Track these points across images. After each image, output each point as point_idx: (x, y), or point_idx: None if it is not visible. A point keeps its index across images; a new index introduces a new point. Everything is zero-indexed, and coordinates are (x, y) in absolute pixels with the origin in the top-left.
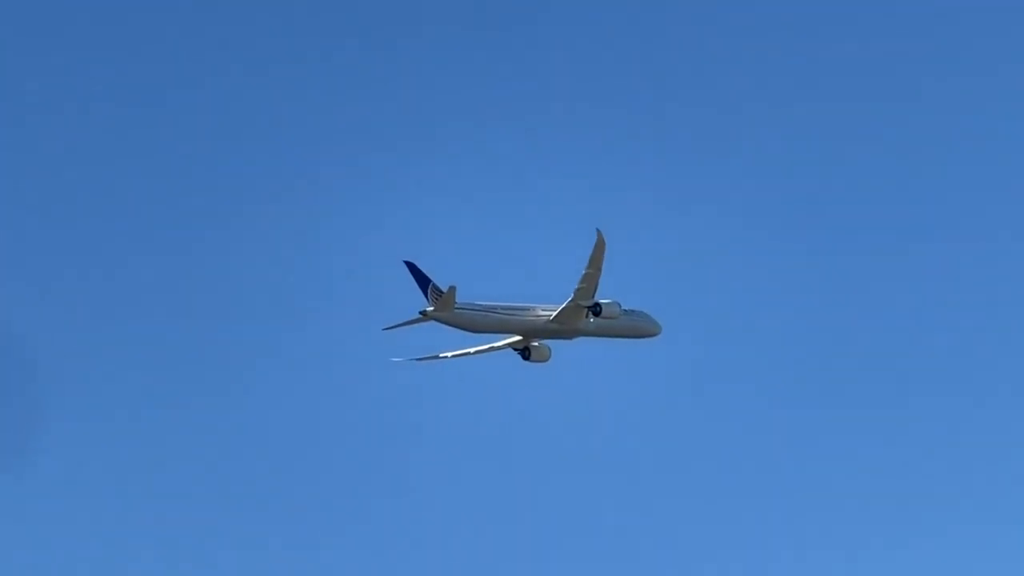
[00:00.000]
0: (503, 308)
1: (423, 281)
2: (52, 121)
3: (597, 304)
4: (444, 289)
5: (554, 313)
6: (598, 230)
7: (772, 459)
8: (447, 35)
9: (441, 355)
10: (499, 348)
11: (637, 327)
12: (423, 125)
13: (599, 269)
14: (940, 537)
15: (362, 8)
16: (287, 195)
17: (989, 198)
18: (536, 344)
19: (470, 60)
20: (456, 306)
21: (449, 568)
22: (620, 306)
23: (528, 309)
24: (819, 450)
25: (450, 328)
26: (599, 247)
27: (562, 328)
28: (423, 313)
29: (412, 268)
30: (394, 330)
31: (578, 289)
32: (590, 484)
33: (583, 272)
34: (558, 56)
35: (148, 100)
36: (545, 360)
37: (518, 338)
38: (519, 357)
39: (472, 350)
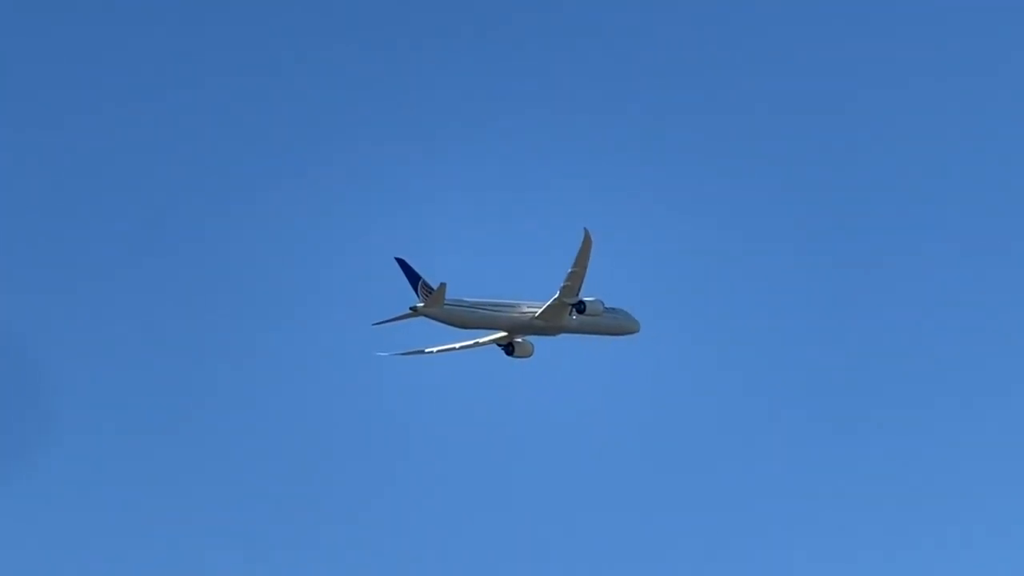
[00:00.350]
0: (490, 305)
1: (413, 278)
2: (50, 120)
3: (581, 302)
4: (434, 286)
5: (539, 310)
6: (586, 229)
7: (752, 454)
8: (439, 34)
9: (426, 350)
10: (484, 344)
11: (618, 325)
12: (417, 124)
13: (585, 268)
14: (924, 538)
15: (356, 7)
16: (281, 193)
17: (981, 197)
18: (520, 340)
19: (462, 59)
20: (445, 302)
21: (433, 561)
22: (603, 304)
23: (514, 306)
24: (803, 447)
25: (439, 324)
26: (586, 246)
27: (547, 325)
28: (413, 309)
29: (403, 265)
30: (384, 325)
31: (564, 287)
32: (570, 476)
33: (569, 270)
34: (549, 55)
35: (144, 99)
36: (528, 356)
37: (503, 334)
38: (503, 352)
39: (457, 345)
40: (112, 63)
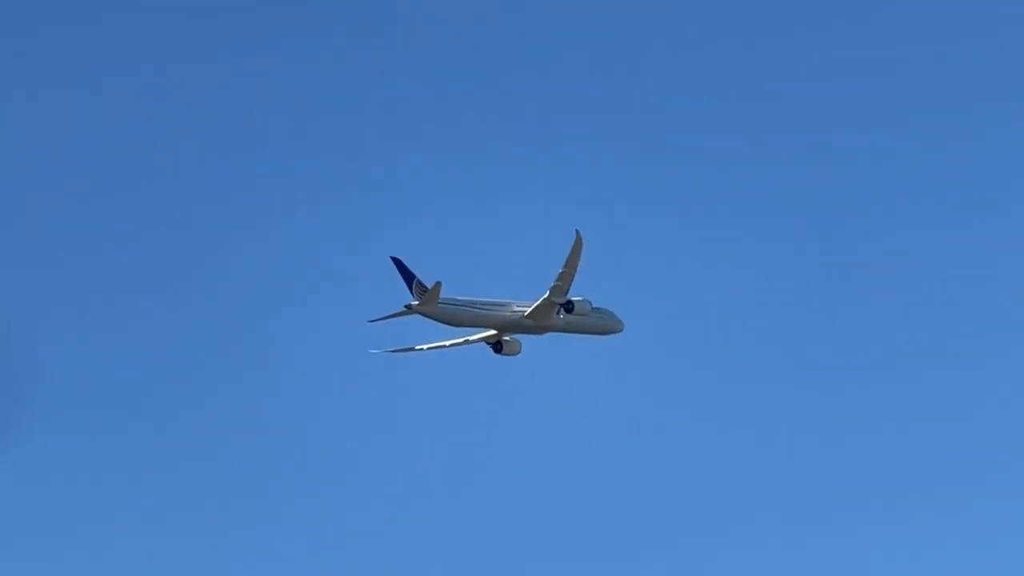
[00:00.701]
0: (482, 303)
1: (408, 276)
2: (47, 118)
3: (569, 301)
4: (428, 285)
5: (529, 309)
6: (577, 230)
7: (738, 453)
8: (434, 33)
9: (417, 348)
10: (473, 342)
11: (603, 324)
12: (413, 124)
13: (575, 268)
14: (918, 537)
15: (353, 5)
16: (277, 192)
17: (968, 196)
18: (508, 338)
19: (456, 59)
20: (439, 301)
21: (423, 557)
22: (590, 304)
23: (505, 305)
24: (793, 446)
25: (432, 321)
26: (577, 247)
27: (536, 323)
28: (408, 307)
29: (398, 264)
30: (379, 323)
31: (554, 286)
32: (556, 471)
33: (560, 271)
34: (543, 55)
35: (141, 96)
36: (516, 353)
37: (493, 332)
38: (491, 350)
39: (447, 343)
40: (110, 61)
